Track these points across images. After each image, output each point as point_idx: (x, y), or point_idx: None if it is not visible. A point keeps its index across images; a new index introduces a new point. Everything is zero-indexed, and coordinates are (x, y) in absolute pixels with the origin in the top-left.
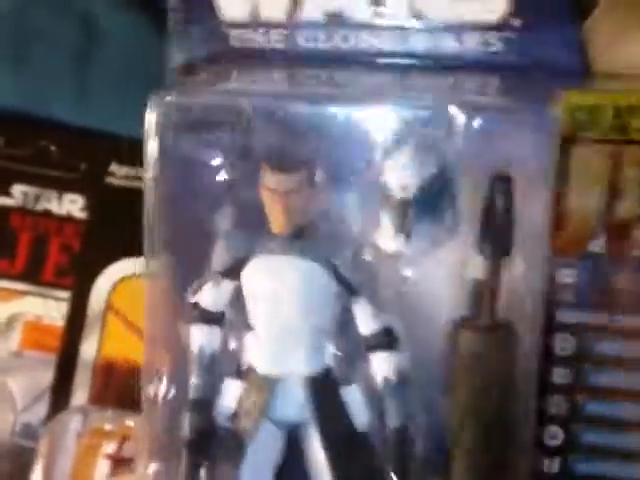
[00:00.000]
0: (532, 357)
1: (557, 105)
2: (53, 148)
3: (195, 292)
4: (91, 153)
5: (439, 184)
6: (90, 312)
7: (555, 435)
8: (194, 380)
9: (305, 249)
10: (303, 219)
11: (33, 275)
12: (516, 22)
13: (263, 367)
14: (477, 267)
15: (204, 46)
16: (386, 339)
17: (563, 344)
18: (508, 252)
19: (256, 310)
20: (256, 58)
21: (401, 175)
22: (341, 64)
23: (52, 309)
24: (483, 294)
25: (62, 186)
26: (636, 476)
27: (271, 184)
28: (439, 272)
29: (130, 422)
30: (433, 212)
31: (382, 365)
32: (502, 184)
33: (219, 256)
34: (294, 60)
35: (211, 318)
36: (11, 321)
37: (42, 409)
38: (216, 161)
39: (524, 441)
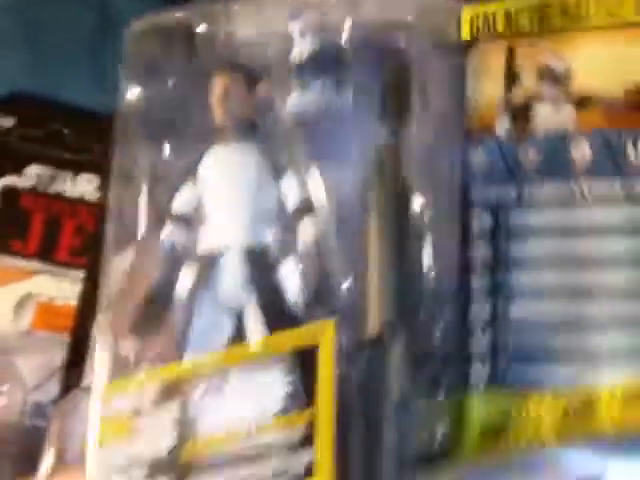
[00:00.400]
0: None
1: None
2: (66, 131)
3: (168, 200)
4: (105, 135)
5: (330, 53)
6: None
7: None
8: (157, 272)
9: (244, 136)
10: (241, 112)
11: (47, 254)
12: None
13: (208, 246)
14: (380, 135)
15: None
16: (308, 208)
17: (480, 220)
18: (407, 119)
19: (208, 200)
20: None
21: (296, 45)
22: None
23: (66, 289)
24: (386, 161)
25: (77, 167)
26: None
27: (214, 88)
28: (351, 138)
29: None
30: (327, 77)
31: (304, 231)
32: (398, 56)
33: (184, 159)
34: None
35: (177, 220)
36: (23, 300)
37: (53, 388)
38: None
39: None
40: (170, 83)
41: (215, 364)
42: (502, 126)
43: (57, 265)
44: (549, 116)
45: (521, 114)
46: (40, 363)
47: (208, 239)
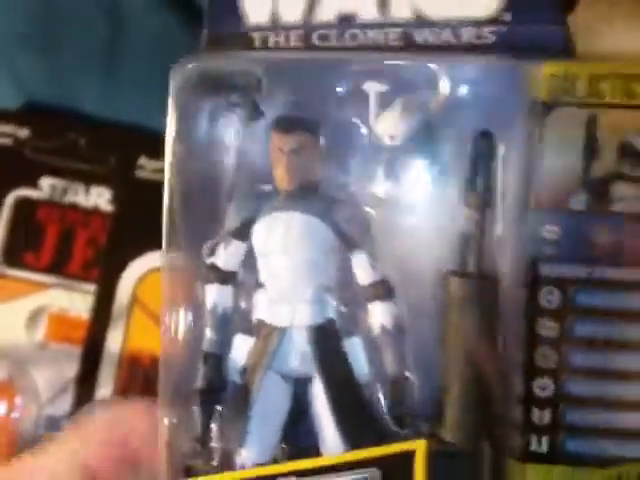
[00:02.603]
0: (518, 310)
1: (537, 73)
2: (82, 141)
3: (209, 253)
4: (120, 146)
5: (425, 135)
6: (116, 305)
7: (545, 386)
8: (208, 335)
9: (308, 205)
10: (306, 177)
11: (59, 268)
12: (507, 16)
13: (270, 319)
14: (463, 219)
15: (230, 48)
16: (383, 290)
17: (548, 297)
18: (491, 204)
19: (265, 267)
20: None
21: (390, 125)
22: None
23: (78, 302)
24: (470, 245)
25: (90, 179)
26: (624, 424)
27: (278, 143)
28: (429, 225)
29: None
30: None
31: (379, 314)
32: (485, 139)
33: (231, 218)
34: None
35: (224, 277)
36: (37, 313)
37: (66, 402)
38: (230, 125)
39: (514, 392)
40: (229, 133)
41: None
42: (577, 202)
43: (69, 278)
44: (629, 197)
45: (599, 192)
46: (54, 375)
47: (268, 310)
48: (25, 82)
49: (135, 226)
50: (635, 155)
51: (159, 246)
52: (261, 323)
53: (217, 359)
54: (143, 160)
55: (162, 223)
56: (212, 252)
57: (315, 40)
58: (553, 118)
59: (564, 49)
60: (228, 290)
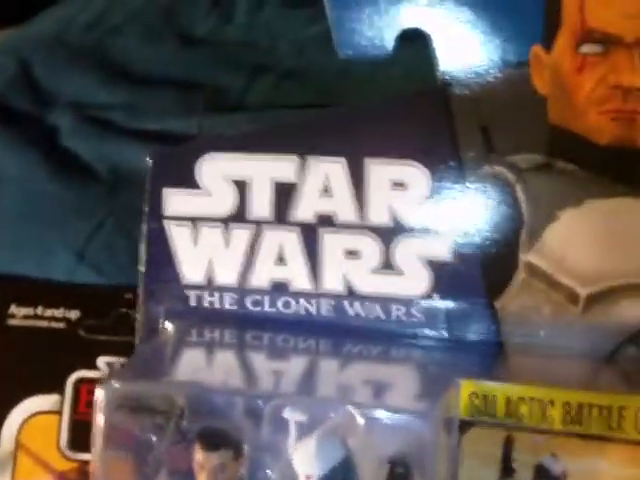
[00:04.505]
0: None
1: (456, 393)
2: None
3: None
4: None
5: (342, 473)
6: (1, 453)
7: None
8: None
9: None
10: None
11: None
12: (436, 297)
13: None
14: None
15: (166, 304)
16: None
17: None
18: None
19: None
20: (211, 317)
21: (306, 466)
22: (283, 328)
23: None
24: None
25: None
26: None
27: (200, 460)
28: None
29: None
30: None
31: None
32: (400, 470)
33: None
34: (243, 321)
35: None
36: None
37: None
38: (153, 437)
39: None
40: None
41: None
42: None
43: None
44: None
45: None
46: None
47: None
48: None
49: (12, 374)
50: (549, 477)
51: (36, 392)
52: None
53: None
54: (14, 308)
55: (37, 367)
56: None
57: (248, 304)
58: (470, 436)
59: (491, 332)
60: None
